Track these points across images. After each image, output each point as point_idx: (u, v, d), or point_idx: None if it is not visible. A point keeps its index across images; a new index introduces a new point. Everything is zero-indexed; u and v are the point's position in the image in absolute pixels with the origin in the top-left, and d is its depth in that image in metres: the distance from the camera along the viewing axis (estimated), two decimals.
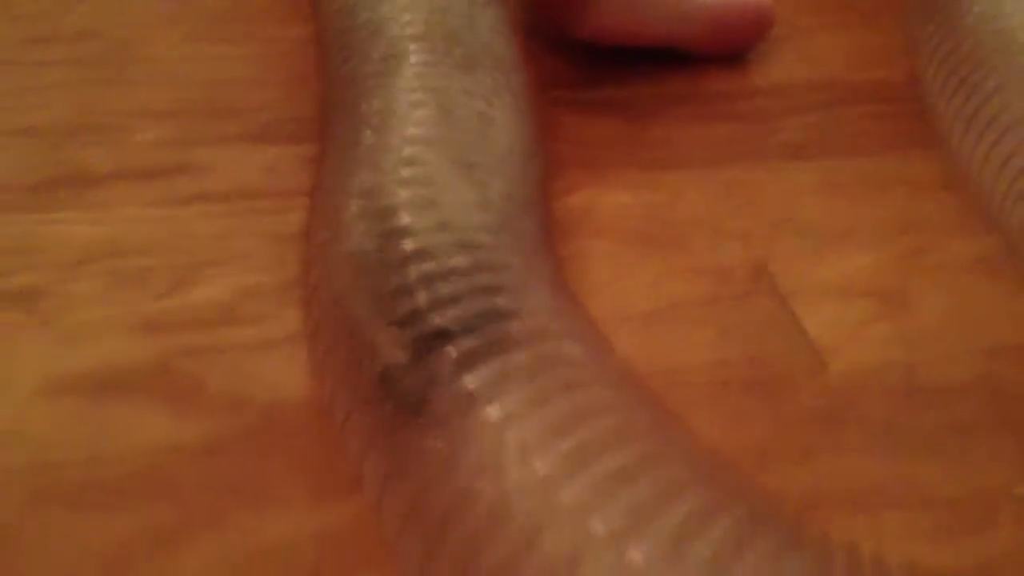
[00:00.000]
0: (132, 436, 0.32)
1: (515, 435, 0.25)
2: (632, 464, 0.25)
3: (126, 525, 0.30)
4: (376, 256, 0.29)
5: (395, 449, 0.27)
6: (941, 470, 0.34)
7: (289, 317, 0.35)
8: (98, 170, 0.40)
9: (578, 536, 0.23)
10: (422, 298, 0.28)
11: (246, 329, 0.35)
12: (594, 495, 0.24)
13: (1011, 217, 0.41)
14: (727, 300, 0.39)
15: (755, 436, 0.35)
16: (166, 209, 0.39)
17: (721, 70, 0.51)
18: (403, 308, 0.28)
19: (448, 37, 0.37)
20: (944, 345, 0.38)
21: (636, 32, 0.49)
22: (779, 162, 0.46)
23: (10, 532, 0.29)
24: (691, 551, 0.23)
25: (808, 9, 0.56)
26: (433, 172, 0.32)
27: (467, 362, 0.26)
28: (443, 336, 0.27)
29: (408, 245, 0.29)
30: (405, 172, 0.32)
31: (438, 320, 0.27)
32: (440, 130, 0.33)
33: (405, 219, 0.30)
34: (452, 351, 0.27)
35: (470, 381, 0.26)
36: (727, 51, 0.52)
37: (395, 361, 0.27)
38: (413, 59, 0.35)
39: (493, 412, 0.25)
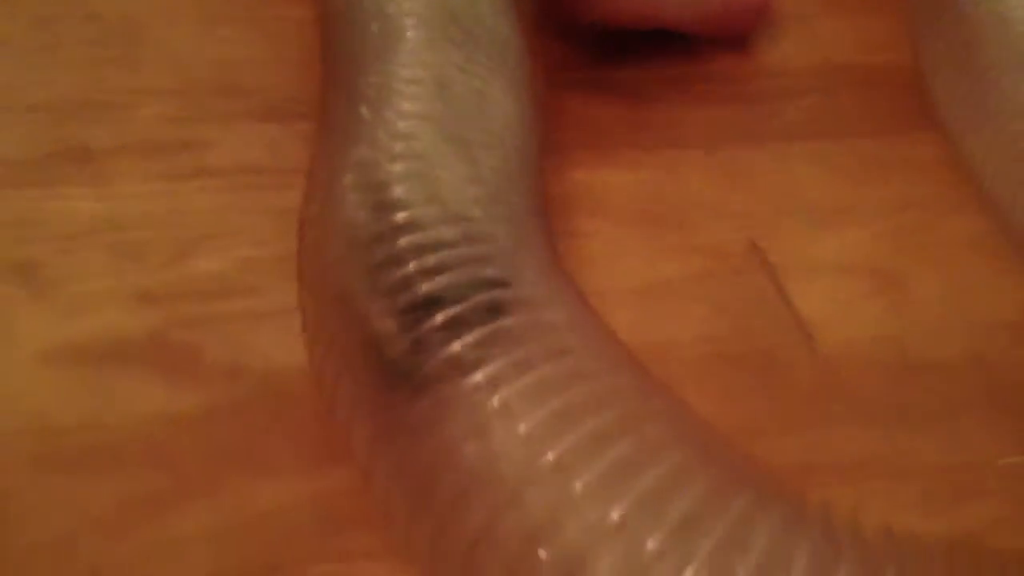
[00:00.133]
0: (130, 404, 0.33)
1: (500, 397, 0.25)
2: (615, 425, 0.25)
3: (123, 490, 0.31)
4: (367, 227, 0.30)
5: (382, 413, 0.27)
6: (929, 443, 0.35)
7: (286, 289, 0.35)
8: (101, 146, 0.41)
9: (560, 495, 0.24)
10: (412, 267, 0.28)
11: (244, 301, 0.36)
12: (576, 455, 0.24)
13: (1004, 197, 0.41)
14: (721, 277, 0.39)
15: (745, 409, 0.35)
16: (167, 184, 0.40)
17: (724, 53, 0.51)
18: (393, 277, 0.28)
19: (447, 14, 0.37)
20: (937, 322, 0.39)
21: (642, 15, 0.49)
22: (779, 144, 0.46)
23: (9, 496, 0.30)
24: (671, 509, 0.23)
25: None
26: (427, 147, 0.32)
27: (455, 328, 0.27)
28: (432, 304, 0.27)
29: (399, 216, 0.30)
30: (399, 146, 0.32)
31: (427, 288, 0.28)
32: (435, 106, 0.34)
33: (397, 191, 0.30)
34: (440, 318, 0.27)
35: (457, 347, 0.26)
36: (731, 34, 0.52)
37: (384, 328, 0.28)
38: (410, 35, 0.36)
39: (479, 376, 0.26)
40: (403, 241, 0.29)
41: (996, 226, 0.42)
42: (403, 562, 0.29)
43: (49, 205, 0.38)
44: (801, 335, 0.37)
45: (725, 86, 0.50)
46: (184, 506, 0.30)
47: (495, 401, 0.25)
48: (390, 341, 0.27)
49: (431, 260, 0.28)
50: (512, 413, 0.25)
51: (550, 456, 0.24)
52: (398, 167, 0.31)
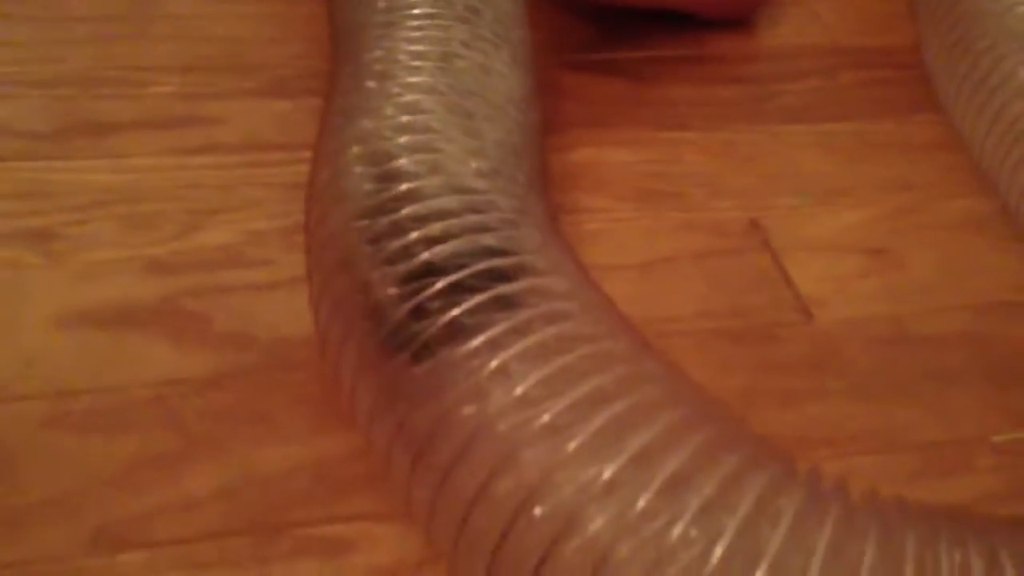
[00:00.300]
0: (140, 369, 0.33)
1: (498, 361, 0.26)
2: (610, 387, 0.26)
3: (132, 450, 0.31)
4: (371, 197, 0.31)
5: (384, 377, 0.28)
6: (922, 417, 0.35)
7: (293, 261, 0.36)
8: (115, 120, 0.42)
9: (554, 455, 0.25)
10: (413, 236, 0.29)
11: (251, 272, 0.37)
12: (571, 416, 0.25)
13: (1002, 178, 0.42)
14: (719, 254, 0.40)
15: (740, 382, 0.36)
16: (179, 158, 0.41)
17: (726, 34, 0.52)
18: (395, 245, 0.29)
19: None
20: (931, 299, 0.39)
21: None
22: (778, 124, 0.47)
23: (23, 454, 0.31)
24: (663, 468, 0.24)
25: None
26: (431, 119, 0.33)
27: (455, 295, 0.28)
28: (432, 271, 0.28)
29: (403, 186, 0.30)
30: (403, 119, 0.33)
31: (428, 256, 0.28)
32: (439, 79, 0.34)
33: (401, 162, 0.31)
34: (440, 284, 0.28)
35: (457, 312, 0.27)
36: (732, 16, 0.52)
37: (386, 295, 0.28)
38: (416, 11, 0.37)
39: (478, 340, 0.27)
40: (406, 211, 0.30)
41: (993, 207, 0.43)
42: (404, 523, 0.30)
43: (64, 177, 0.39)
44: (797, 312, 0.38)
45: (726, 67, 0.50)
46: (192, 468, 0.31)
47: (493, 365, 0.26)
48: (392, 308, 0.28)
49: (433, 229, 0.29)
50: (509, 376, 0.26)
51: (545, 418, 0.25)
52: (403, 139, 0.32)
